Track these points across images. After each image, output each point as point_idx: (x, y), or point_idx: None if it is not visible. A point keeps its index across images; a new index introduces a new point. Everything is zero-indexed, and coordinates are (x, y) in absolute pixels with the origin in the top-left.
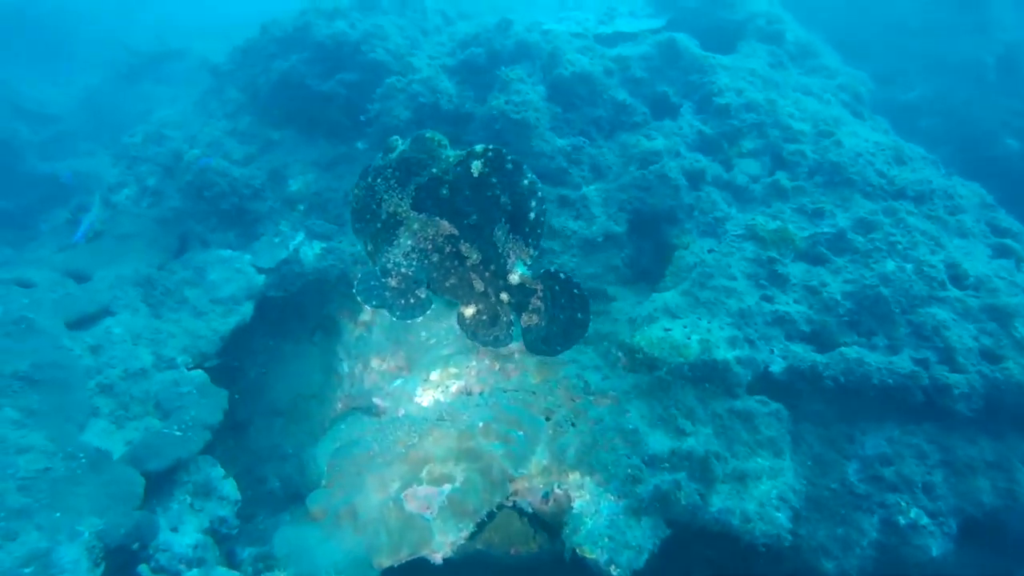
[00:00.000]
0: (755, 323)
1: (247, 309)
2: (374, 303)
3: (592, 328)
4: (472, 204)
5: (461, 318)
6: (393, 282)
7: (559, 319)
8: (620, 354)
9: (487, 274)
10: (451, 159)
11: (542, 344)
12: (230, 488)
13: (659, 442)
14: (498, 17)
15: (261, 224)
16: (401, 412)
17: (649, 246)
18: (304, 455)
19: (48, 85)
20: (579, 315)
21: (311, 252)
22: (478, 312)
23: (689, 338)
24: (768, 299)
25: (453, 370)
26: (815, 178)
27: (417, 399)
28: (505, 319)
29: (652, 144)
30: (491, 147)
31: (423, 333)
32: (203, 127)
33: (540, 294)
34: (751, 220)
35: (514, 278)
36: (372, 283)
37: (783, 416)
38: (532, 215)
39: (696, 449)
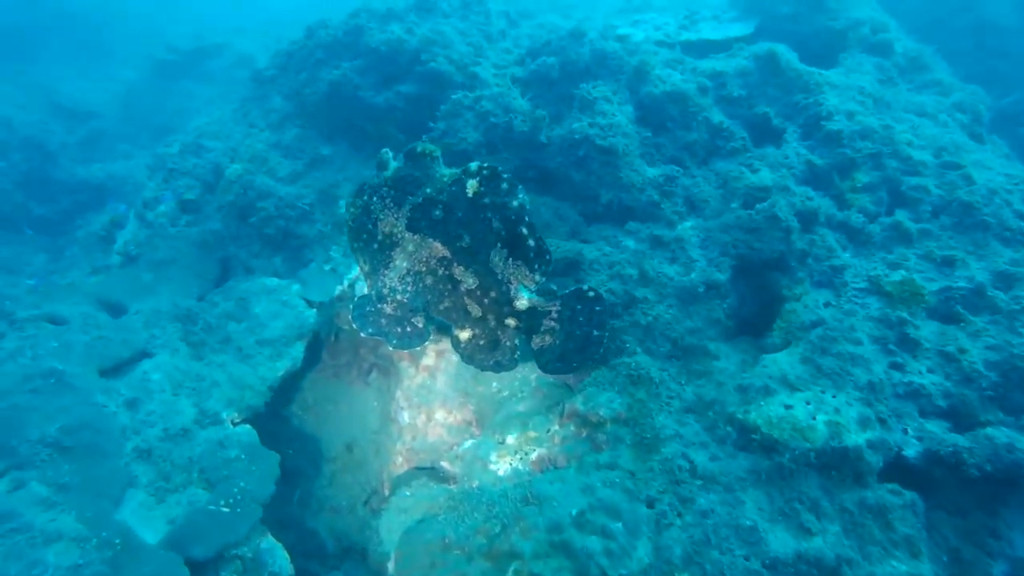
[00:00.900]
0: (885, 397)
1: (297, 352)
2: (371, 331)
3: (693, 393)
4: (464, 226)
5: (456, 341)
6: (388, 309)
7: (575, 335)
8: (730, 429)
9: (486, 301)
10: (446, 178)
11: (558, 362)
12: (282, 561)
13: (781, 542)
14: (569, 21)
15: (310, 249)
16: (475, 484)
17: (750, 292)
18: (360, 512)
19: (85, 81)
20: (595, 332)
21: (363, 289)
22: (474, 336)
23: (815, 418)
24: (898, 367)
25: (533, 434)
26: (941, 219)
27: (492, 467)
28: (508, 344)
29: (757, 178)
30: (486, 164)
31: (494, 384)
32: (244, 139)
33: (555, 314)
34: (873, 270)
35: (521, 304)
36: (368, 309)
37: (919, 509)
38: (532, 243)
39: (825, 552)
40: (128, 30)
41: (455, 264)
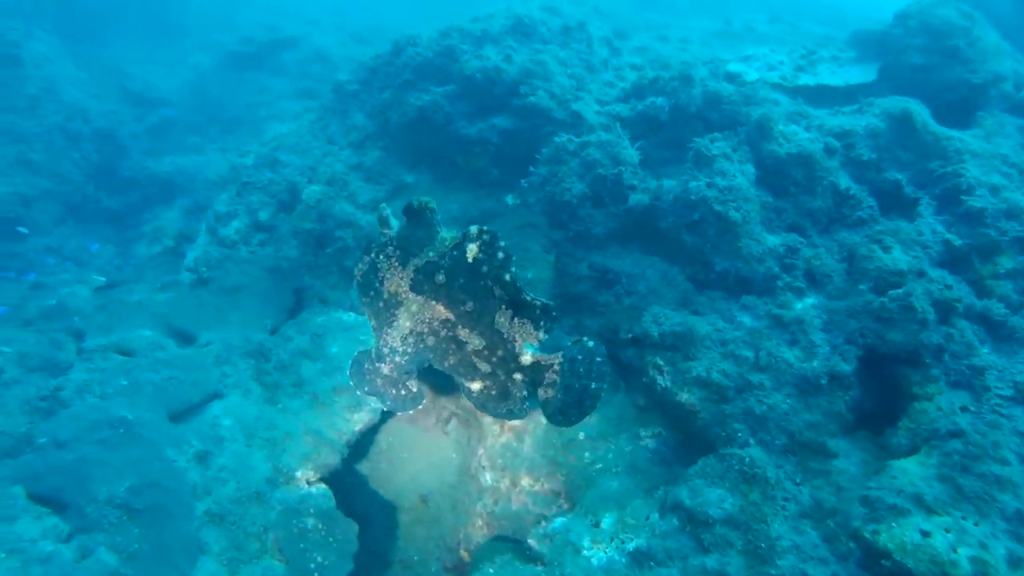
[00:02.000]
0: None
1: (376, 402)
2: (365, 389)
3: (811, 496)
4: (467, 292)
5: (468, 392)
6: (385, 369)
7: (573, 388)
8: (853, 546)
9: (494, 359)
10: (447, 242)
11: (559, 416)
12: None
13: None
14: (668, 45)
15: None
16: (567, 573)
17: (873, 384)
18: (432, 568)
19: (156, 66)
20: (593, 385)
21: None
22: (485, 388)
23: (956, 551)
24: None
25: (630, 521)
26: None
27: (586, 553)
28: (518, 394)
29: (891, 259)
30: (485, 230)
31: (587, 454)
32: (324, 156)
33: (556, 367)
34: (1021, 375)
35: (526, 359)
36: (366, 367)
37: None
38: (538, 304)
39: None
40: (200, 12)
41: (459, 327)
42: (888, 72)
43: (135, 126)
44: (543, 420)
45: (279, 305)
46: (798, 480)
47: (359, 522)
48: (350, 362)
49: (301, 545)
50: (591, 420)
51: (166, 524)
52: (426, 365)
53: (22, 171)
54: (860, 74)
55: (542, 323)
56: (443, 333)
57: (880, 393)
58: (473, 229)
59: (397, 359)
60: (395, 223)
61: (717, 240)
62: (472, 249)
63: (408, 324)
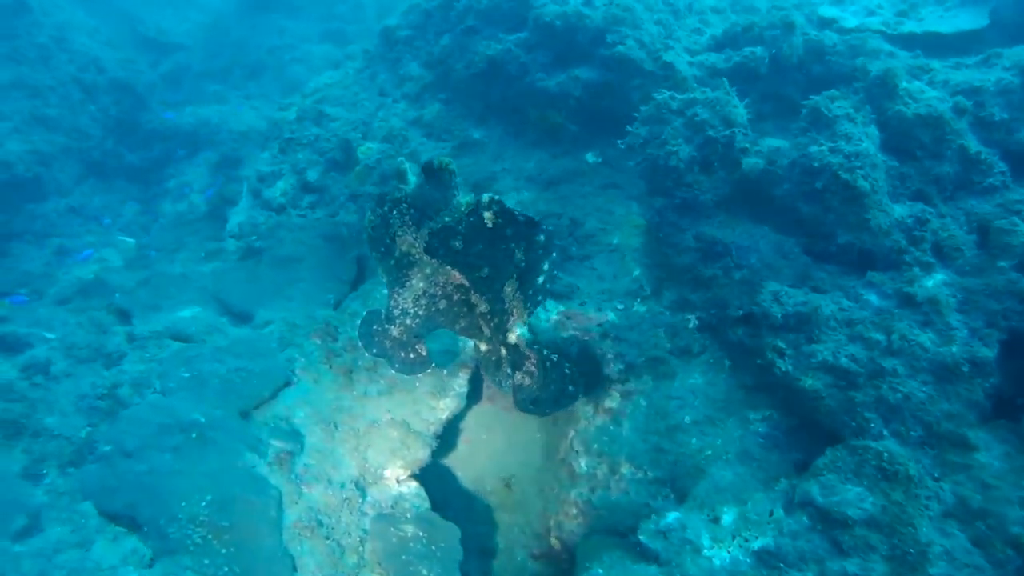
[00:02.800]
0: None
1: (461, 387)
2: (374, 351)
3: (953, 494)
4: (485, 258)
5: (477, 350)
6: (395, 331)
7: (550, 388)
8: (1012, 553)
9: (492, 324)
10: (463, 207)
11: (531, 405)
12: None
13: None
14: (764, 2)
15: None
16: (688, 574)
17: (1012, 369)
18: (518, 558)
19: (168, 8)
20: (570, 388)
21: (546, 316)
22: (488, 351)
23: None
24: None
25: (753, 517)
26: None
27: (706, 553)
28: (506, 369)
29: None
30: (496, 199)
31: (693, 440)
32: (377, 110)
33: (534, 362)
34: None
35: (512, 338)
36: (375, 328)
37: None
38: (540, 279)
39: None
40: None
41: (473, 292)
42: (1002, 14)
43: (152, 74)
44: (642, 403)
45: (340, 276)
46: (937, 475)
47: (436, 508)
48: (360, 321)
49: (404, 557)
50: (696, 402)
51: (255, 541)
52: (436, 328)
53: (38, 127)
54: (970, 19)
55: (529, 304)
56: (456, 297)
57: (1020, 379)
58: (486, 197)
59: (408, 321)
60: (412, 179)
61: (842, 211)
62: (489, 217)
63: (422, 285)
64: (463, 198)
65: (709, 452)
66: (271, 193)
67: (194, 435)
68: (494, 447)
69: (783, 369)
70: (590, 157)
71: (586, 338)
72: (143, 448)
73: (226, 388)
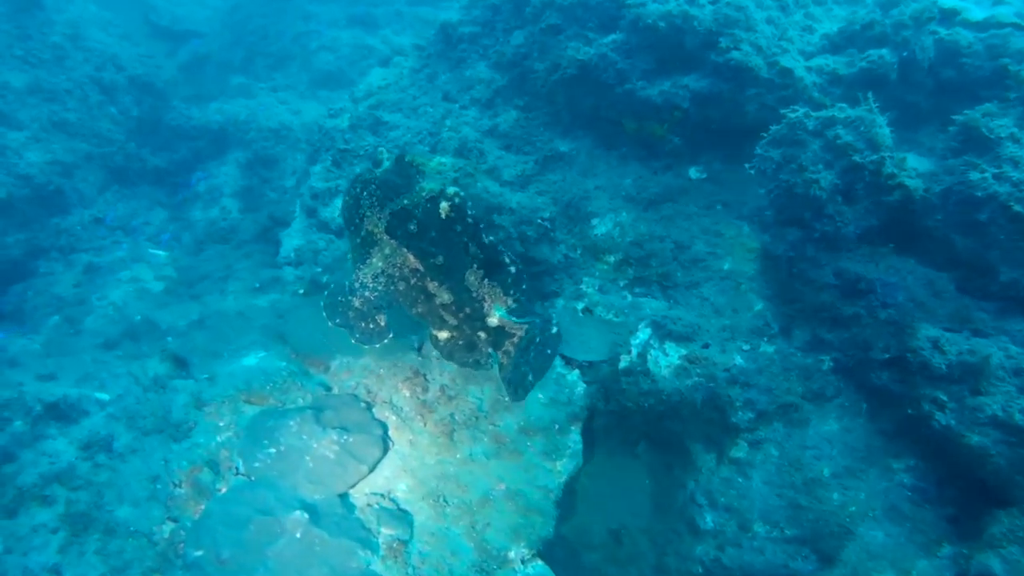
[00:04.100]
0: None
1: (576, 444)
2: (337, 321)
3: None
4: (438, 245)
5: (435, 340)
6: (357, 303)
7: (521, 369)
8: None
9: (461, 315)
10: (424, 192)
11: (507, 385)
12: None
13: None
14: None
15: (552, 278)
16: None
17: None
18: None
19: None
20: (548, 352)
21: (666, 362)
22: (452, 338)
23: None
24: None
25: None
26: None
27: None
28: (484, 348)
29: None
30: (458, 192)
31: (835, 495)
32: (443, 118)
33: (516, 340)
34: None
35: (492, 321)
36: (339, 299)
37: None
38: (513, 270)
39: None
40: None
41: (428, 279)
42: None
43: (171, 69)
44: (773, 453)
45: None
46: None
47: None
48: (325, 293)
49: None
50: (833, 451)
51: None
52: (394, 305)
53: (58, 134)
54: None
55: (513, 291)
56: (413, 281)
57: None
58: (450, 190)
59: (367, 294)
60: (387, 165)
61: (1008, 245)
62: (445, 208)
63: (380, 264)
64: (427, 184)
65: (853, 508)
66: (329, 213)
67: (298, 534)
68: (598, 493)
69: (943, 423)
70: (693, 172)
71: (711, 384)
72: (241, 553)
73: (320, 465)
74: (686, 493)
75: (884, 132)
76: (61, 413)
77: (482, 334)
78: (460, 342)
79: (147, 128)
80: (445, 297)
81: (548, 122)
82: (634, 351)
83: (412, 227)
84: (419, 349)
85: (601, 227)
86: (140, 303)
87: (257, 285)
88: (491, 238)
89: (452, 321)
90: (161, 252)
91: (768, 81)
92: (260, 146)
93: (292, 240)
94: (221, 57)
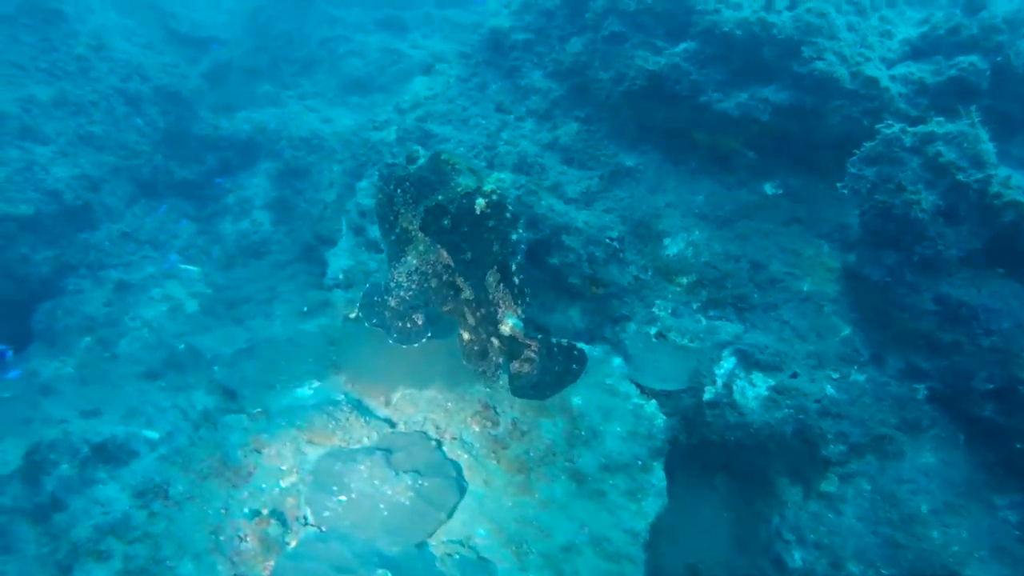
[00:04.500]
0: None
1: (660, 480)
2: (374, 321)
3: None
4: (469, 241)
5: (460, 338)
6: (393, 302)
7: (553, 371)
8: None
9: (478, 314)
10: (459, 188)
11: (531, 390)
12: None
13: None
14: None
15: (621, 301)
16: None
17: None
18: None
19: None
20: (574, 366)
21: (753, 393)
22: (471, 341)
23: None
24: None
25: None
26: None
27: None
28: (494, 359)
29: None
30: (497, 191)
31: (935, 533)
32: (498, 131)
33: (535, 349)
34: None
35: (505, 328)
36: (376, 299)
37: None
38: (516, 280)
39: None
40: None
41: (457, 274)
42: None
43: (196, 78)
44: (866, 487)
45: None
46: None
47: None
48: (361, 295)
49: None
50: (931, 486)
51: None
52: (429, 304)
53: (85, 148)
54: None
55: (519, 301)
56: (444, 278)
57: None
58: (487, 186)
59: (403, 294)
60: (422, 162)
61: None
62: (480, 204)
63: (415, 262)
64: (463, 179)
65: (956, 548)
66: (379, 231)
67: None
68: (673, 526)
69: None
70: (769, 188)
71: (802, 416)
72: None
73: (395, 513)
74: (770, 528)
75: (988, 148)
76: (110, 455)
77: (495, 341)
78: (476, 348)
79: (174, 139)
80: (468, 293)
81: (612, 135)
82: (719, 381)
83: (446, 222)
84: (488, 387)
85: (673, 247)
86: (175, 324)
87: (305, 309)
88: (515, 236)
89: (471, 321)
90: (192, 267)
91: (852, 92)
92: (291, 156)
93: (340, 260)
94: (245, 63)
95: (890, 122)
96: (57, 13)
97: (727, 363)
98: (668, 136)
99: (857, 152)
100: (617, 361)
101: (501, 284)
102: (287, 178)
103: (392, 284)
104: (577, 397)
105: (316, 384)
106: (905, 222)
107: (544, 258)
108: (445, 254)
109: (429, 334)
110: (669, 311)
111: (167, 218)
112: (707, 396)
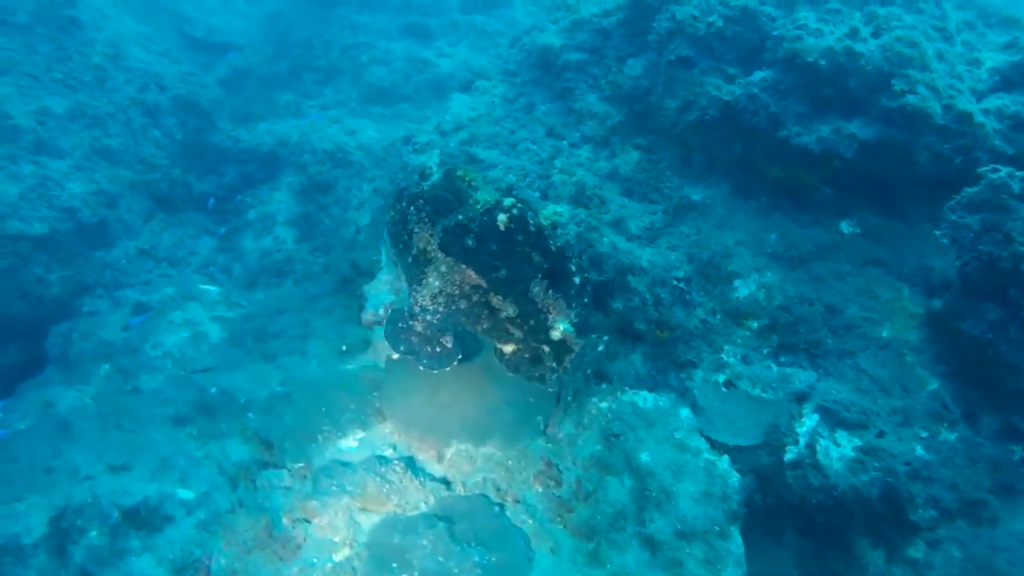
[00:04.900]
0: None
1: (737, 547)
2: (402, 348)
3: None
4: (501, 259)
5: (501, 354)
6: (419, 327)
7: (568, 389)
8: None
9: (526, 327)
10: (479, 206)
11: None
12: None
13: None
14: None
15: (687, 346)
16: None
17: None
18: None
19: (214, 1)
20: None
21: (838, 453)
22: (518, 350)
23: None
24: None
25: None
26: None
27: None
28: (549, 363)
29: None
30: (517, 203)
31: None
32: (552, 157)
33: (572, 358)
34: None
35: (556, 334)
36: (400, 326)
37: None
38: (578, 280)
39: None
40: None
41: (492, 293)
42: None
43: (215, 87)
44: (956, 554)
45: (543, 385)
46: None
47: None
48: (385, 323)
49: None
50: None
51: None
52: (459, 326)
53: (101, 162)
54: None
55: (574, 303)
56: (475, 298)
57: None
58: (507, 201)
59: (428, 317)
60: (435, 179)
61: None
62: (503, 220)
63: (438, 284)
64: (481, 196)
65: None
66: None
67: None
68: None
69: None
70: (845, 226)
71: (890, 479)
72: None
73: None
74: None
75: None
76: (143, 520)
77: (546, 347)
78: (526, 355)
79: (192, 151)
80: (510, 310)
81: (676, 165)
82: (802, 440)
83: (470, 242)
84: (545, 430)
85: (744, 289)
86: (199, 353)
87: (344, 348)
88: (559, 244)
89: (518, 334)
90: (213, 288)
91: (943, 128)
92: (315, 170)
93: (380, 295)
94: (263, 71)
95: (995, 166)
96: (73, 21)
97: (809, 420)
98: (735, 167)
99: (957, 197)
100: (685, 412)
101: (550, 291)
102: (311, 193)
103: (416, 308)
104: (645, 453)
105: (361, 434)
106: (1013, 276)
107: (608, 301)
108: (472, 274)
109: (460, 356)
110: (738, 357)
111: (184, 233)
112: (789, 456)
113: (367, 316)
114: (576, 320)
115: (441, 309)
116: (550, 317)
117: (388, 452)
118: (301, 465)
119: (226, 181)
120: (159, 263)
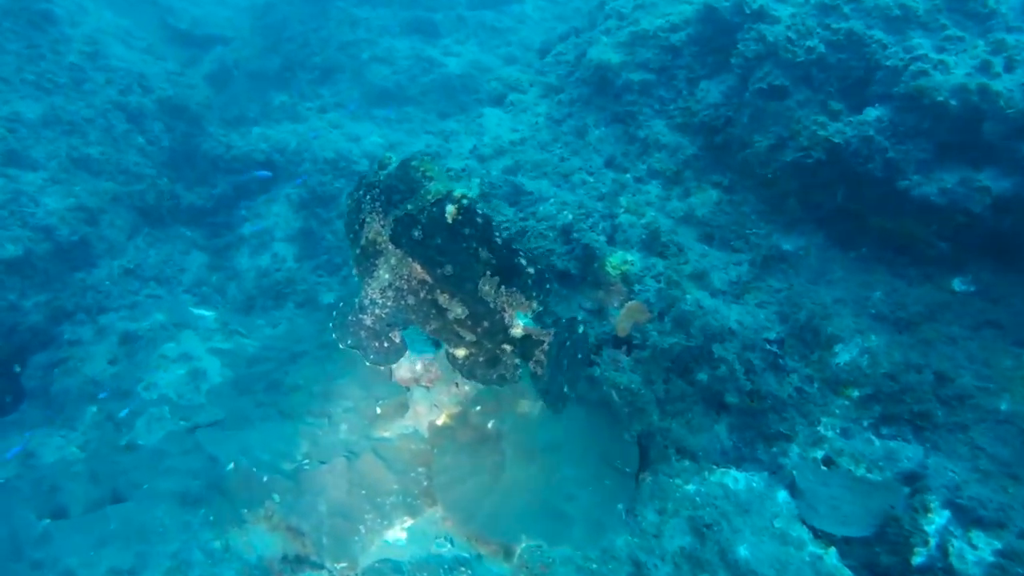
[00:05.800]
0: None
1: None
2: (349, 342)
3: None
4: (446, 253)
5: (453, 358)
6: (368, 321)
7: (563, 366)
8: None
9: (479, 329)
10: (429, 196)
11: (547, 395)
12: None
13: None
14: None
15: (779, 417)
16: None
17: None
18: None
19: None
20: (579, 355)
21: (974, 556)
22: (471, 355)
23: None
24: None
25: None
26: None
27: None
28: (509, 361)
29: None
30: (466, 196)
31: None
32: (616, 194)
33: (545, 348)
34: None
35: (517, 331)
36: (350, 319)
37: None
38: (532, 271)
39: None
40: None
41: (438, 291)
42: None
43: (204, 87)
44: None
45: (618, 465)
46: None
47: None
48: (334, 314)
49: None
50: None
51: None
52: (409, 324)
53: (80, 173)
54: None
55: (535, 293)
56: (423, 295)
57: None
58: (457, 191)
59: (377, 311)
60: (391, 169)
61: None
62: (451, 211)
63: (387, 276)
64: (433, 187)
65: None
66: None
67: None
68: None
69: None
70: (958, 284)
71: None
72: None
73: None
74: None
75: None
76: None
77: (507, 347)
78: (480, 359)
79: (180, 159)
80: (459, 311)
81: (764, 209)
82: (932, 542)
83: (416, 234)
84: (628, 512)
85: (845, 354)
86: (200, 395)
87: (378, 411)
88: (504, 236)
89: (470, 337)
90: (207, 312)
91: None
92: (317, 181)
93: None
94: (253, 67)
95: None
96: (46, 15)
97: (938, 517)
98: (833, 214)
99: None
100: (783, 495)
101: (503, 287)
102: (312, 206)
103: (366, 301)
104: (743, 546)
105: (409, 522)
106: None
107: (694, 372)
108: (419, 268)
109: (408, 352)
110: (837, 430)
111: (172, 248)
112: (918, 560)
113: (402, 372)
114: (539, 309)
115: (390, 304)
116: (506, 316)
117: (446, 549)
118: (344, 565)
119: (218, 191)
120: (146, 283)
